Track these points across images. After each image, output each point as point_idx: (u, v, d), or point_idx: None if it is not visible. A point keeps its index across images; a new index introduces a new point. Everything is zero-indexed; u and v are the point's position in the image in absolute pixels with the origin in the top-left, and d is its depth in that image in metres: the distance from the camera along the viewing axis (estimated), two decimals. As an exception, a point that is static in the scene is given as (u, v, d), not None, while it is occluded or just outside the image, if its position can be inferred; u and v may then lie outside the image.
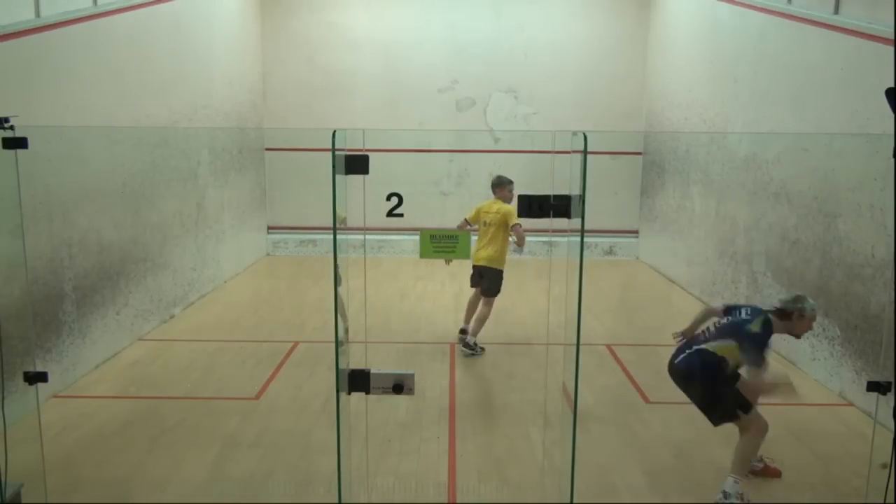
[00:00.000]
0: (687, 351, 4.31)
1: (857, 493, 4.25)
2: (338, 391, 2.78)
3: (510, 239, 6.71)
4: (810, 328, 4.32)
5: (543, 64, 11.59)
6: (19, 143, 3.43)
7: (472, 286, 7.07)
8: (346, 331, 5.94)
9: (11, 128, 3.40)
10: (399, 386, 2.79)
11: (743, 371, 4.18)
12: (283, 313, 8.32)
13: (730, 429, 5.21)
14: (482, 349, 6.77)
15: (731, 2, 8.37)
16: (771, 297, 7.05)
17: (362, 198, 2.88)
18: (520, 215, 2.82)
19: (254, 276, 10.45)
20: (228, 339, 7.29)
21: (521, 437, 5.02)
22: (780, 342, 6.89)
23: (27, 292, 4.94)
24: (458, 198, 11.50)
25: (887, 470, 3.24)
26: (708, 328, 4.40)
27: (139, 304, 7.13)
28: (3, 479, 3.49)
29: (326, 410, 5.36)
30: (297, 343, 7.05)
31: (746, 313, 4.29)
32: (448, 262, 7.15)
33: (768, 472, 4.47)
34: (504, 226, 6.58)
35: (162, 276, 7.67)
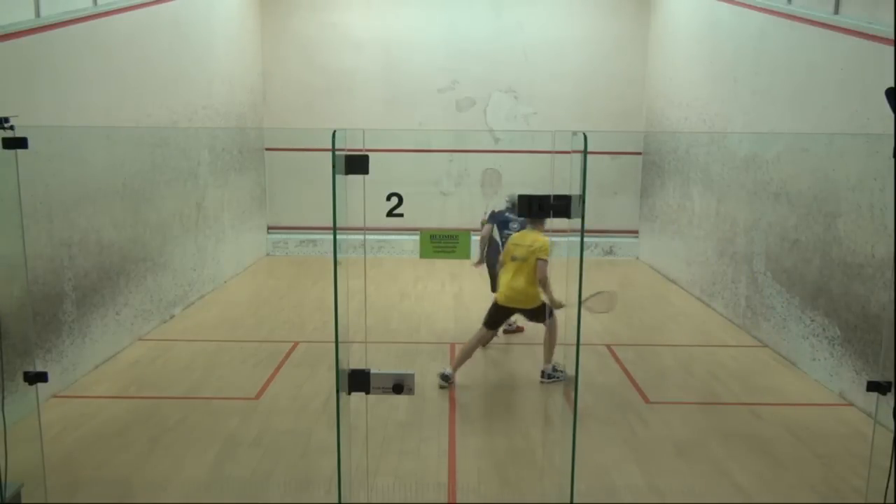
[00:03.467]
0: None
1: (857, 493, 4.25)
2: (338, 391, 2.78)
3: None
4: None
5: (543, 64, 11.59)
6: (19, 143, 3.43)
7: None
8: None
9: (11, 128, 3.40)
10: (399, 386, 2.79)
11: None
12: (283, 313, 8.32)
13: (730, 428, 5.22)
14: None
15: (731, 2, 8.37)
16: (771, 297, 7.06)
17: (362, 198, 2.89)
18: (520, 215, 2.81)
19: (254, 276, 10.45)
20: (228, 339, 7.29)
21: (521, 437, 5.02)
22: (779, 343, 6.91)
23: (27, 292, 4.94)
24: (458, 198, 11.51)
25: (888, 470, 3.24)
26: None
27: (139, 304, 7.13)
28: (3, 479, 3.49)
29: (326, 410, 5.36)
30: (297, 343, 7.05)
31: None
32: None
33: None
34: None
35: (162, 276, 7.67)
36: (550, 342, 6.10)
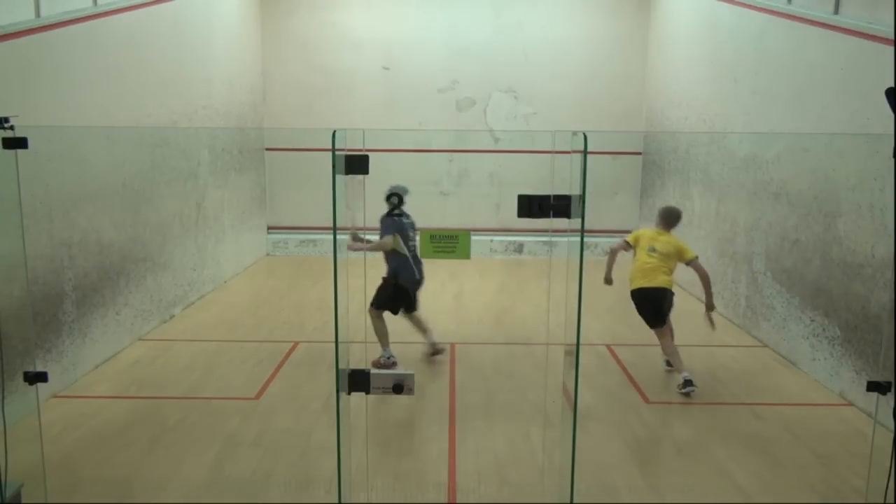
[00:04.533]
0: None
1: (857, 493, 4.25)
2: (338, 391, 2.78)
3: None
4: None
5: (543, 64, 11.59)
6: (19, 143, 3.43)
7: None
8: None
9: (11, 128, 3.40)
10: (399, 386, 2.80)
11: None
12: (283, 313, 8.32)
13: (730, 428, 5.22)
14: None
15: (731, 2, 8.37)
16: (771, 297, 7.06)
17: (362, 198, 2.89)
18: (520, 215, 2.82)
19: (254, 276, 10.44)
20: (228, 339, 7.29)
21: (521, 437, 5.02)
22: (779, 343, 6.91)
23: (27, 292, 4.94)
24: (458, 198, 11.50)
25: (888, 470, 3.24)
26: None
27: (139, 304, 7.13)
28: (3, 479, 3.49)
29: (326, 410, 5.36)
30: (297, 343, 7.05)
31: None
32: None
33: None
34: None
35: (162, 276, 7.67)
36: (673, 348, 6.06)
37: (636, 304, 6.15)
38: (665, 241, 6.13)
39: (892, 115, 3.11)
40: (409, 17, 11.52)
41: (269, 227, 11.82)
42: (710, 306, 6.14)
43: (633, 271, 6.19)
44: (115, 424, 5.14)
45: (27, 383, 3.67)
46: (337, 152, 2.63)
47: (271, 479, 4.38)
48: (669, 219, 6.30)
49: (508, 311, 8.33)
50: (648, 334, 7.71)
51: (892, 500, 3.24)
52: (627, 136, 11.71)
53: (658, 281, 6.04)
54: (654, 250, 6.08)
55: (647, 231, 6.32)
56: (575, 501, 2.92)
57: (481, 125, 11.73)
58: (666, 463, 4.70)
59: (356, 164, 2.71)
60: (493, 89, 11.68)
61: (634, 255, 6.23)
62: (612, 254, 6.43)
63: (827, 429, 5.24)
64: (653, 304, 6.07)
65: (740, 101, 8.09)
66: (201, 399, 5.68)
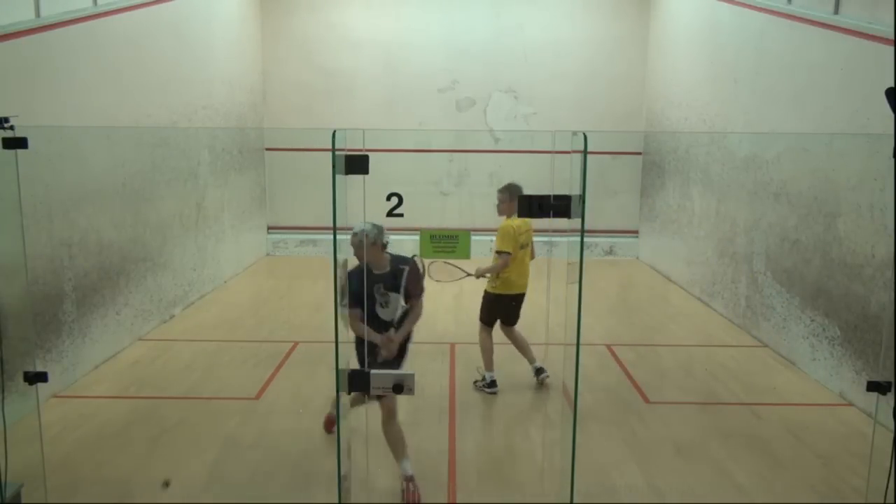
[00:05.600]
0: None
1: (857, 493, 4.25)
2: (338, 391, 2.78)
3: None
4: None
5: (543, 64, 11.59)
6: (19, 143, 3.43)
7: (499, 321, 6.03)
8: None
9: (11, 128, 3.40)
10: (399, 386, 2.80)
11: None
12: (283, 313, 8.32)
13: (730, 428, 5.21)
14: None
15: (732, 2, 8.37)
16: (771, 297, 7.06)
17: (362, 198, 2.89)
18: (520, 215, 2.83)
19: (254, 276, 10.44)
20: (228, 339, 7.29)
21: (521, 437, 5.02)
22: (779, 343, 6.91)
23: (27, 292, 4.93)
24: (457, 198, 11.50)
25: (888, 470, 3.24)
26: None
27: (139, 304, 7.13)
28: (3, 479, 3.49)
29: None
30: (297, 343, 7.05)
31: None
32: None
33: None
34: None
35: (162, 276, 7.67)
36: (526, 342, 6.05)
37: (505, 304, 5.89)
38: (527, 231, 5.81)
39: (892, 115, 3.11)
40: (409, 17, 11.52)
41: (269, 227, 11.82)
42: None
43: (510, 272, 5.77)
44: (115, 424, 5.14)
45: (27, 383, 3.67)
46: (337, 152, 2.63)
47: (271, 480, 4.38)
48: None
49: (508, 311, 8.33)
50: (649, 334, 7.73)
51: (892, 501, 3.24)
52: (627, 136, 11.71)
53: (525, 283, 5.90)
54: (524, 247, 5.81)
55: (514, 225, 5.67)
56: (575, 501, 2.92)
57: (481, 125, 11.73)
58: (666, 463, 4.69)
59: (356, 164, 2.71)
60: (493, 89, 11.68)
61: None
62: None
63: (827, 429, 5.24)
64: (519, 306, 5.96)
65: (740, 102, 8.10)
66: (201, 399, 5.68)
